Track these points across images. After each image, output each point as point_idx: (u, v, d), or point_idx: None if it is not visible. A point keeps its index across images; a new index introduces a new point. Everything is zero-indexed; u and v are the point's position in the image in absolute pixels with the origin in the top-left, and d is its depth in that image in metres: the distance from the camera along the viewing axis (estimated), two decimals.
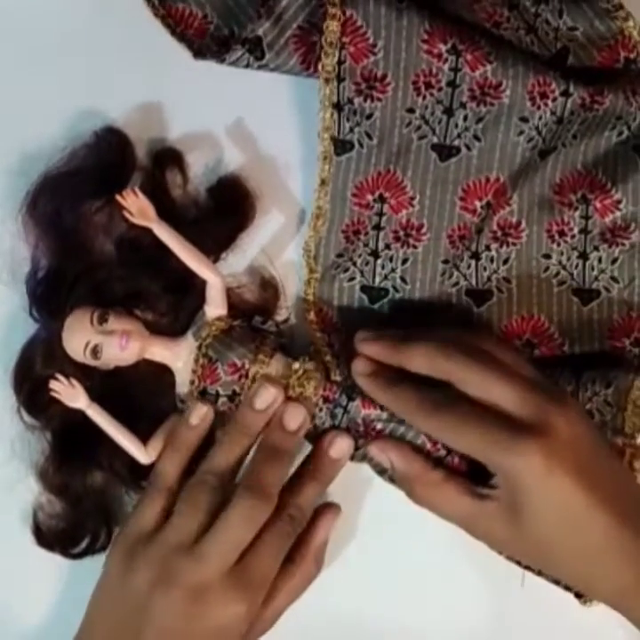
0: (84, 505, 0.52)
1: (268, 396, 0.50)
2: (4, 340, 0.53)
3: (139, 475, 0.52)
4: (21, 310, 0.53)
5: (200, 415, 0.51)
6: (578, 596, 0.53)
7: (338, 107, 0.52)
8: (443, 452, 0.50)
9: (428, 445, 0.51)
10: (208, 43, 0.54)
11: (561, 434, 0.45)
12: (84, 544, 0.53)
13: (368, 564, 0.55)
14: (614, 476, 0.47)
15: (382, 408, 0.51)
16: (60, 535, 0.53)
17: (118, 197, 0.50)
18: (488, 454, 0.46)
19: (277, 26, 0.52)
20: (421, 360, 0.48)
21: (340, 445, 0.52)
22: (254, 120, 0.56)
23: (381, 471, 0.54)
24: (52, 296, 0.52)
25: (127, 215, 0.50)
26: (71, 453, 0.52)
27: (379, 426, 0.52)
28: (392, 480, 0.53)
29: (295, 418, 0.51)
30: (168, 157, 0.54)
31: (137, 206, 0.50)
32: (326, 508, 0.53)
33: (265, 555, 0.48)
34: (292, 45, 0.52)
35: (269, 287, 0.55)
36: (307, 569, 0.51)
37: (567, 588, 0.53)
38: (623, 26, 0.53)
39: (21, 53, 0.55)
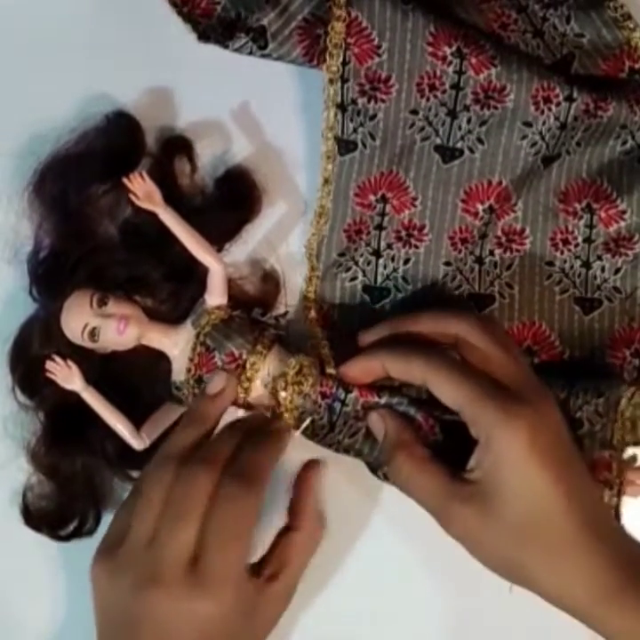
0: (73, 487, 0.52)
1: (219, 382, 0.50)
2: (2, 318, 0.53)
3: (129, 460, 0.52)
4: (21, 290, 0.53)
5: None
6: None
7: (342, 107, 0.52)
8: (439, 438, 0.50)
9: (424, 426, 0.50)
10: (214, 24, 0.54)
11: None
12: (71, 526, 0.52)
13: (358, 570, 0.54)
14: (583, 476, 0.47)
15: (379, 395, 0.51)
16: (49, 516, 0.53)
17: (125, 180, 0.50)
18: (482, 408, 0.45)
19: (283, 17, 0.52)
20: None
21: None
22: (263, 113, 0.56)
23: (374, 468, 0.53)
24: (52, 276, 0.52)
25: (133, 198, 0.50)
26: (63, 435, 0.52)
27: None
28: (386, 477, 0.53)
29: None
30: (177, 145, 0.54)
31: (143, 190, 0.50)
32: (308, 466, 0.52)
33: (220, 532, 0.45)
34: (296, 37, 0.52)
35: (270, 280, 0.55)
36: (309, 532, 0.50)
37: None
38: (630, 36, 0.54)
39: (34, 37, 0.56)
